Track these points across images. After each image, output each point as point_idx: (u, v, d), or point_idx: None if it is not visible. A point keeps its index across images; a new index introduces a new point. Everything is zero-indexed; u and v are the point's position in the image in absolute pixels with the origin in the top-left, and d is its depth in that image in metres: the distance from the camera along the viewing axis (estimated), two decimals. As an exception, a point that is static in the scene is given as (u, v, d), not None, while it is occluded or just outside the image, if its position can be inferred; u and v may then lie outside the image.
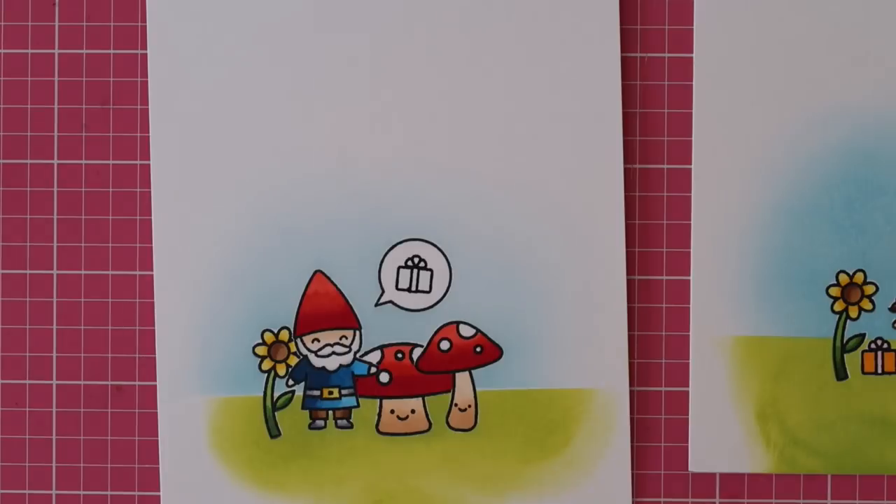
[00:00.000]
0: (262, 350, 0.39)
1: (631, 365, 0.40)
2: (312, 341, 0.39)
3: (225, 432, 0.39)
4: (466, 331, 0.39)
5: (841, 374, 0.39)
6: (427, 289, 0.39)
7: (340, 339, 0.39)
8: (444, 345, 0.39)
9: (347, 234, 0.39)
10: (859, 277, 0.39)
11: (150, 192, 0.40)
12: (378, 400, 0.39)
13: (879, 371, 0.39)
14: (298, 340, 0.39)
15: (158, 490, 0.40)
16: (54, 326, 0.40)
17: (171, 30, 0.40)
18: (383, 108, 0.40)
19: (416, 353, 0.39)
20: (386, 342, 0.39)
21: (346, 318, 0.39)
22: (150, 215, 0.40)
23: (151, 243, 0.40)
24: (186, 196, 0.40)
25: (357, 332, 0.39)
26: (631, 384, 0.39)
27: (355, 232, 0.39)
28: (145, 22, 0.40)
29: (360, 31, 0.40)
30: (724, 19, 0.39)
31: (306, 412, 0.39)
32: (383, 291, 0.39)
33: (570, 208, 0.39)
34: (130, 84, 0.40)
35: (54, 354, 0.40)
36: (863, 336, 0.39)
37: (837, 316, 0.39)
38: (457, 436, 0.39)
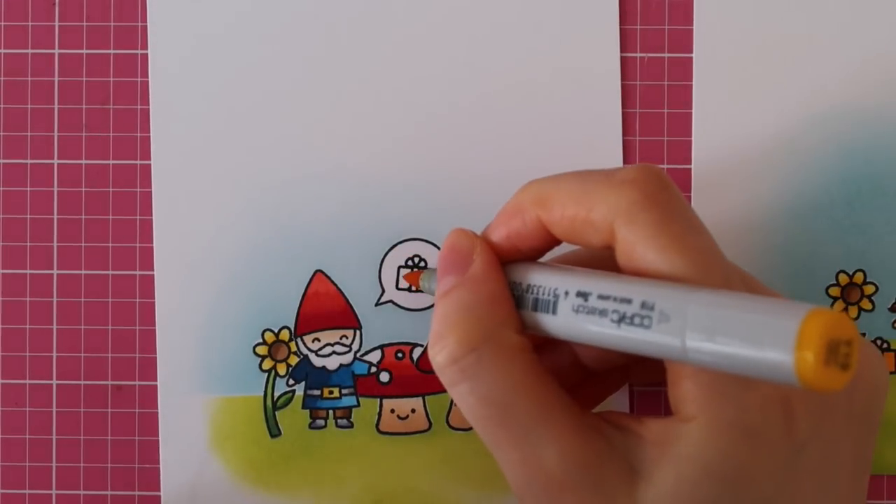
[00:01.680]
0: (262, 349, 0.39)
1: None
2: (313, 341, 0.39)
3: (225, 432, 0.39)
4: (466, 330, 0.39)
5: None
6: (427, 288, 0.39)
7: (341, 338, 0.39)
8: (445, 344, 0.39)
9: (348, 234, 0.39)
10: (859, 277, 0.39)
11: (150, 192, 0.40)
12: (378, 399, 0.39)
13: (879, 371, 0.39)
14: (299, 340, 0.39)
15: (158, 490, 0.40)
16: (54, 326, 0.40)
17: (171, 30, 0.40)
18: (384, 108, 0.40)
19: (417, 352, 0.39)
20: (386, 342, 0.39)
21: (346, 318, 0.39)
22: (151, 215, 0.40)
23: (151, 243, 0.40)
24: (186, 196, 0.40)
25: (357, 332, 0.39)
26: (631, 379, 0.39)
27: (355, 232, 0.39)
28: (145, 22, 0.40)
29: (360, 31, 0.40)
30: (724, 19, 0.39)
31: (306, 412, 0.39)
32: (383, 291, 0.39)
33: (571, 208, 0.39)
34: (130, 84, 0.40)
35: (54, 354, 0.40)
36: (862, 336, 0.39)
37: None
38: (457, 435, 0.39)
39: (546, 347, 0.35)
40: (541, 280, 0.32)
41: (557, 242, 0.33)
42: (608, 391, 0.38)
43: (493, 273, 0.33)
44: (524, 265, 0.33)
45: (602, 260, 0.33)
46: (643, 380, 0.39)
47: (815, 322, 0.25)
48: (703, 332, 0.27)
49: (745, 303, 0.27)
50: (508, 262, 0.33)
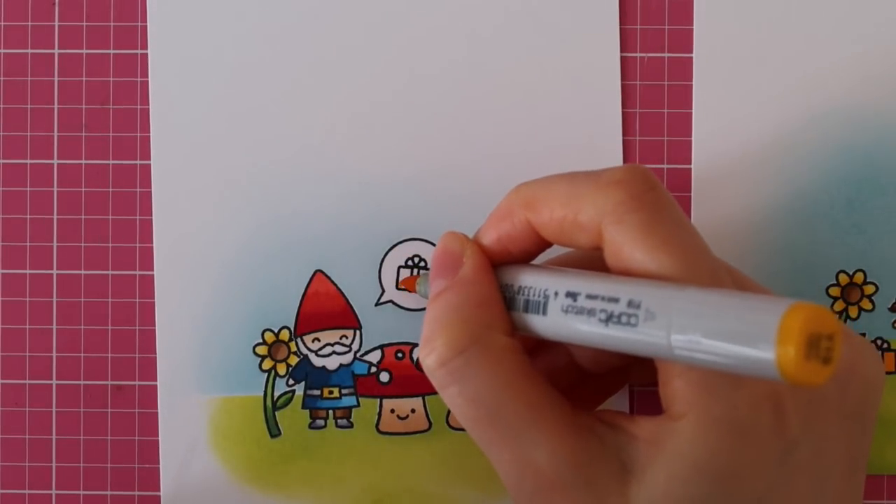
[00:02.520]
0: (262, 349, 0.39)
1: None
2: (313, 341, 0.39)
3: (225, 432, 0.39)
4: (466, 330, 0.39)
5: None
6: (427, 288, 0.39)
7: (341, 338, 0.39)
8: (445, 344, 0.39)
9: (348, 234, 0.39)
10: (859, 277, 0.39)
11: (150, 192, 0.40)
12: (378, 399, 0.39)
13: (879, 371, 0.39)
14: (299, 340, 0.39)
15: (158, 490, 0.40)
16: (54, 326, 0.40)
17: (171, 30, 0.40)
18: (384, 108, 0.40)
19: (417, 352, 0.39)
20: (386, 342, 0.39)
21: (346, 318, 0.39)
22: (151, 215, 0.40)
23: (151, 243, 0.40)
24: (186, 196, 0.40)
25: (357, 332, 0.39)
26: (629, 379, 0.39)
27: (355, 231, 0.39)
28: (145, 22, 0.40)
29: (360, 32, 0.40)
30: (724, 19, 0.39)
31: (306, 412, 0.39)
32: (383, 291, 0.39)
33: (571, 208, 0.39)
34: (130, 84, 0.40)
35: (54, 354, 0.40)
36: (863, 336, 0.39)
37: (837, 316, 0.39)
38: (457, 435, 0.39)
39: (542, 350, 0.35)
40: (531, 281, 0.32)
41: (548, 245, 0.33)
42: (607, 392, 0.38)
43: (482, 275, 0.33)
44: (515, 267, 0.33)
45: (593, 261, 0.33)
46: (642, 380, 0.39)
47: (795, 317, 0.25)
48: (687, 330, 0.27)
49: (728, 300, 0.27)
50: (500, 265, 0.33)
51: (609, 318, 0.29)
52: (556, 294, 0.31)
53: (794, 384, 0.25)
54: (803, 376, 0.25)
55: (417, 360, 0.39)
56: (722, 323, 0.27)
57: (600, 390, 0.37)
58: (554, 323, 0.31)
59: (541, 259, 0.35)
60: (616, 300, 0.29)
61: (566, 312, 0.30)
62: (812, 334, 0.25)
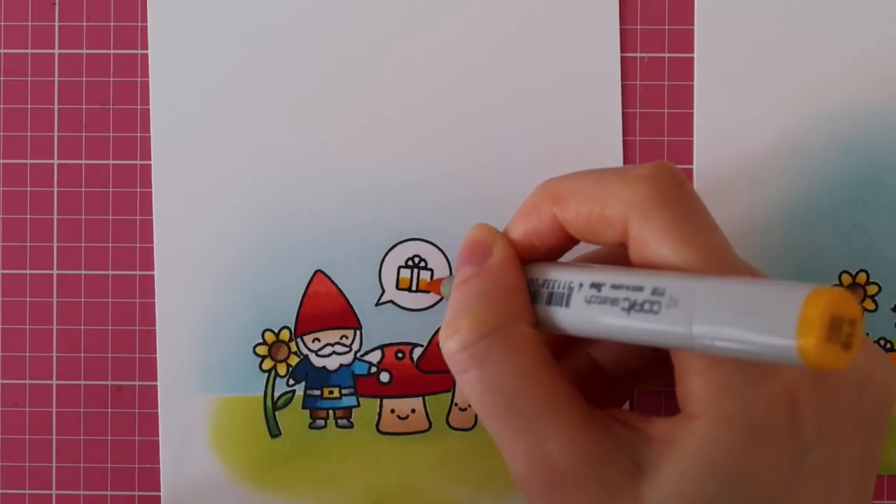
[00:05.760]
0: (262, 350, 0.39)
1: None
2: (313, 341, 0.39)
3: (225, 432, 0.39)
4: (467, 331, 0.39)
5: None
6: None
7: (341, 338, 0.39)
8: (445, 345, 0.39)
9: (348, 234, 0.39)
10: (862, 278, 0.39)
11: (150, 192, 0.40)
12: (378, 399, 0.39)
13: (881, 371, 0.39)
14: (299, 340, 0.39)
15: (158, 490, 0.40)
16: (54, 326, 0.40)
17: (171, 30, 0.40)
18: (384, 109, 0.40)
19: (417, 352, 0.39)
20: (386, 342, 0.39)
21: (346, 318, 0.39)
22: (151, 215, 0.40)
23: (151, 243, 0.40)
24: (186, 196, 0.40)
25: (357, 332, 0.39)
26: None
27: (356, 231, 0.39)
28: (145, 22, 0.40)
29: (360, 32, 0.40)
30: (724, 19, 0.39)
31: (307, 412, 0.39)
32: (384, 291, 0.39)
33: (571, 208, 0.39)
34: (130, 84, 0.40)
35: (54, 354, 0.40)
36: (866, 336, 0.39)
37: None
38: (457, 436, 0.39)
39: (565, 353, 0.36)
40: (556, 275, 0.32)
41: (574, 242, 0.33)
42: (623, 398, 0.38)
43: (511, 265, 0.33)
44: (542, 264, 0.33)
45: (617, 259, 0.33)
46: (654, 384, 0.39)
47: (817, 300, 0.25)
48: (709, 316, 0.27)
49: (750, 287, 0.27)
50: (526, 262, 0.33)
51: (632, 307, 0.29)
52: (581, 285, 0.31)
53: (814, 369, 0.25)
54: (824, 360, 0.25)
55: (418, 360, 0.39)
56: (743, 308, 0.26)
57: (617, 396, 0.37)
58: (577, 314, 0.31)
59: (565, 259, 0.35)
60: (640, 289, 0.29)
61: (589, 303, 0.30)
62: (834, 317, 0.25)
